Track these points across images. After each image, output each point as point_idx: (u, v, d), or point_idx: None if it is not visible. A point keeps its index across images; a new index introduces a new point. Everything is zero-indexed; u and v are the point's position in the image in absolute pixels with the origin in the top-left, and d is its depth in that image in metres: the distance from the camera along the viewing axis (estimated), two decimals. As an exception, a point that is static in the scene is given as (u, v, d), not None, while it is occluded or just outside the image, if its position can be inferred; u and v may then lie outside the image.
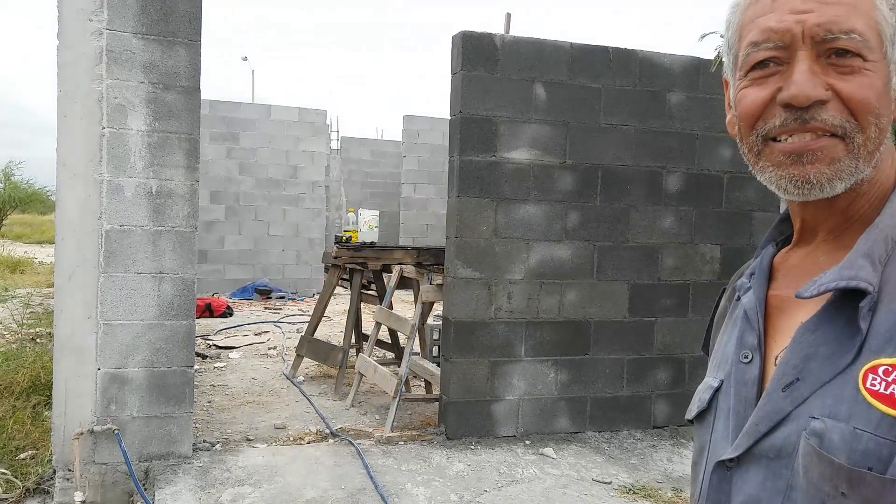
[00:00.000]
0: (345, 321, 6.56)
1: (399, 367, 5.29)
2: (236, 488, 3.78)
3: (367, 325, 6.53)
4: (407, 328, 5.19)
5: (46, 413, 4.66)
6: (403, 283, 5.77)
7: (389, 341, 6.39)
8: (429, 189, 14.08)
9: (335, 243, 6.58)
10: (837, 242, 0.82)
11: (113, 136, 3.88)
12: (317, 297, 9.20)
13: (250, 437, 4.66)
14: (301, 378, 6.41)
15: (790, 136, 0.78)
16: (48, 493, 3.97)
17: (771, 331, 0.84)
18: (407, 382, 5.41)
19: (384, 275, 6.39)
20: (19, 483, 3.97)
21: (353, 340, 6.34)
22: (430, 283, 5.15)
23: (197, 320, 4.77)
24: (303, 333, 6.65)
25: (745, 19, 0.82)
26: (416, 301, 5.46)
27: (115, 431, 3.90)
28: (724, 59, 0.90)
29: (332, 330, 8.65)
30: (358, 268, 6.22)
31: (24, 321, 7.20)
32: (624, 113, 4.84)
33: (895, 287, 0.73)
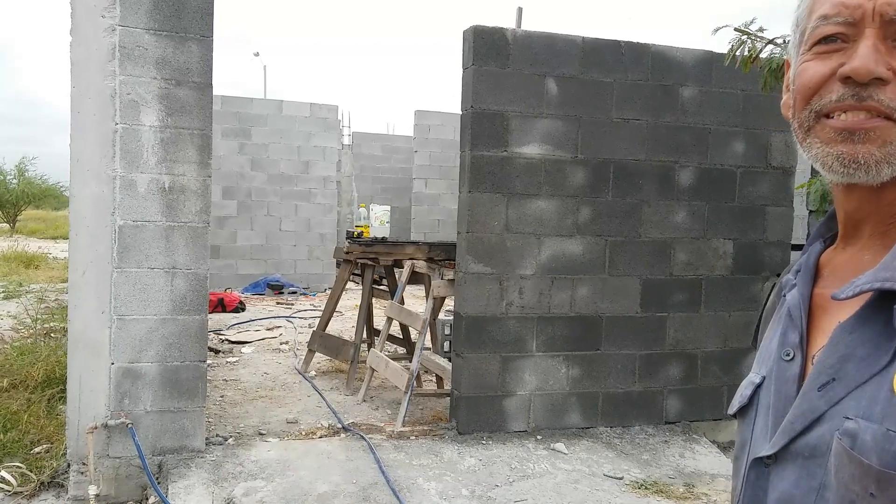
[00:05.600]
0: (356, 316, 6.57)
1: (410, 362, 5.29)
2: (249, 482, 3.80)
3: (379, 321, 6.54)
4: (418, 323, 5.19)
5: (61, 407, 4.70)
6: (415, 278, 5.77)
7: (401, 336, 6.40)
8: (440, 184, 14.06)
9: (347, 238, 6.59)
10: (883, 241, 0.81)
11: (126, 132, 3.90)
12: (328, 292, 9.22)
13: (262, 432, 4.69)
14: (313, 373, 6.43)
15: (844, 113, 0.77)
16: (63, 486, 4.00)
17: (813, 330, 0.84)
18: (418, 377, 5.42)
19: (395, 270, 6.40)
20: (34, 477, 4.00)
21: (364, 335, 6.36)
22: (442, 279, 5.15)
23: (209, 315, 4.79)
24: (315, 328, 6.67)
25: None
26: (427, 296, 5.47)
27: (129, 426, 3.92)
28: (789, 39, 0.89)
29: (344, 325, 8.67)
30: (369, 263, 6.22)
31: (39, 316, 7.25)
32: (636, 107, 4.81)
33: None
